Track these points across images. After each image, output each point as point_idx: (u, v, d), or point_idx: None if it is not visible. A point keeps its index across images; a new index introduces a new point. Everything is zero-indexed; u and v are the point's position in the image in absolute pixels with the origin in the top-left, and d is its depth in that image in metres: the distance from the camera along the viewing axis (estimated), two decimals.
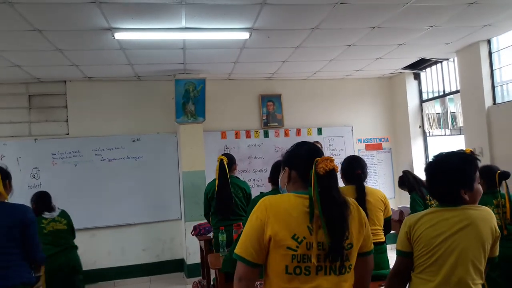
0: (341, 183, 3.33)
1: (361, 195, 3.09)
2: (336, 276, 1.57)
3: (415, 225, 1.95)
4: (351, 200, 1.70)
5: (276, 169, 3.26)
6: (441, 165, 2.01)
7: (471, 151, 4.82)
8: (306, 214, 1.57)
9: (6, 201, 2.86)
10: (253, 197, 3.90)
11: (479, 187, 1.97)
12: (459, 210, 1.91)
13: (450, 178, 1.93)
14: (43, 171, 5.93)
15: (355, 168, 3.19)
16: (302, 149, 1.76)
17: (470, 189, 1.92)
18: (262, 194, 3.51)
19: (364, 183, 3.20)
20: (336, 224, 1.55)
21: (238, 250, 1.61)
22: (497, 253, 1.98)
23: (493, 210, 3.37)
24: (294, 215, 1.57)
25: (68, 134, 6.15)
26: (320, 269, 1.55)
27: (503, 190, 3.46)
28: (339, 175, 3.35)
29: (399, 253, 2.02)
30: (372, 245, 1.75)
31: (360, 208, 1.71)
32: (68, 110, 6.18)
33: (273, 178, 3.32)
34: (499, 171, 3.46)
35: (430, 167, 2.05)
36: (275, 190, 3.19)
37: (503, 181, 3.44)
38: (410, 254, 1.97)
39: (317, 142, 6.47)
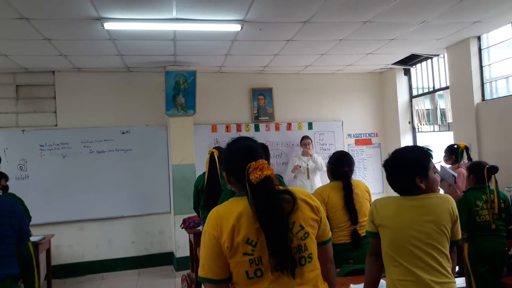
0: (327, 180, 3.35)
1: (348, 192, 3.11)
2: (298, 268, 1.55)
3: (379, 209, 2.09)
4: (299, 190, 1.67)
5: None
6: (397, 158, 2.13)
7: (465, 145, 4.86)
8: (254, 216, 1.54)
9: None
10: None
11: (435, 176, 2.09)
12: (419, 199, 2.03)
13: (406, 168, 2.06)
14: (31, 162, 5.85)
15: (342, 165, 3.19)
16: (235, 153, 1.67)
17: (425, 177, 2.04)
18: None
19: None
20: (276, 232, 1.50)
21: (201, 272, 1.56)
22: (460, 236, 2.08)
23: (482, 206, 3.44)
24: (242, 220, 1.54)
25: (56, 125, 6.07)
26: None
27: (492, 185, 3.49)
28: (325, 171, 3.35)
29: (368, 234, 2.16)
30: (330, 233, 1.75)
31: (312, 196, 1.70)
32: (57, 101, 6.09)
33: None
34: (487, 166, 3.49)
35: (388, 161, 2.16)
36: None
37: (492, 176, 3.48)
38: (377, 235, 2.10)
39: (307, 137, 6.47)
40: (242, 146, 1.68)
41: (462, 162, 4.73)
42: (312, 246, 1.61)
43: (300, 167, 6.28)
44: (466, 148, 4.79)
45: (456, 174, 4.65)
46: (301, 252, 1.57)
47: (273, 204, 1.52)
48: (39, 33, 4.32)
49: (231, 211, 1.57)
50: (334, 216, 3.12)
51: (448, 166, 4.93)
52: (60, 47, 4.88)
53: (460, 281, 4.63)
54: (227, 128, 6.67)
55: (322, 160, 6.22)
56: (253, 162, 1.54)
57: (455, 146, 4.86)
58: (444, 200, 2.04)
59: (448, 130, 6.32)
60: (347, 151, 5.25)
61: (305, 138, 6.45)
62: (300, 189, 1.71)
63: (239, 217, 1.54)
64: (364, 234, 3.08)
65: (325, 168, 6.09)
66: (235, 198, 1.64)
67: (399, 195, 2.10)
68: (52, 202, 5.81)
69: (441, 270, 1.95)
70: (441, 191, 4.33)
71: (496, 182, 3.47)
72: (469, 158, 4.77)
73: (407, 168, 2.05)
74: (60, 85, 6.10)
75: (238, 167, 1.58)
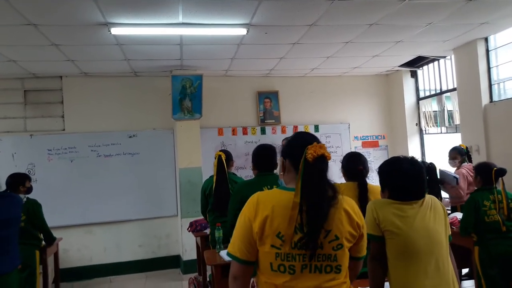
0: (342, 180, 3.32)
1: (363, 192, 3.06)
2: (321, 275, 1.54)
3: (384, 212, 2.08)
4: (347, 201, 1.65)
5: (256, 155, 3.31)
6: (413, 168, 2.15)
7: (466, 147, 4.88)
8: (295, 202, 1.54)
9: None
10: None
11: None
12: (420, 201, 2.09)
13: (423, 178, 2.14)
14: (39, 167, 5.89)
15: (356, 164, 3.17)
16: (297, 137, 1.74)
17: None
18: (244, 181, 3.51)
19: (367, 179, 3.19)
20: (314, 211, 1.51)
21: (230, 249, 1.60)
22: (450, 231, 2.15)
23: (489, 206, 3.42)
24: (280, 212, 1.54)
25: (64, 129, 6.12)
26: (305, 267, 1.53)
27: (499, 186, 3.47)
28: (340, 173, 3.35)
29: (372, 237, 2.10)
30: (365, 251, 1.73)
31: (358, 212, 1.66)
32: (64, 105, 6.14)
33: (256, 164, 3.33)
34: (495, 168, 3.47)
35: (403, 168, 2.16)
36: (259, 176, 3.23)
37: (499, 178, 3.46)
38: (382, 238, 2.08)
39: (286, 138, 6.31)
40: (306, 134, 1.77)
41: (465, 164, 4.79)
42: (343, 259, 1.58)
43: None
44: (467, 149, 4.84)
45: (457, 176, 4.65)
46: (329, 261, 1.55)
47: (322, 184, 1.54)
48: (46, 38, 4.37)
49: (271, 200, 1.59)
50: None
51: (454, 168, 4.93)
52: (67, 52, 4.92)
53: (470, 284, 4.61)
54: (234, 131, 6.68)
55: None
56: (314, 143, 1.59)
57: (461, 148, 4.90)
58: (434, 198, 2.15)
59: (456, 132, 6.28)
60: None
61: (285, 140, 6.27)
62: (349, 200, 1.68)
63: (278, 209, 1.55)
64: None
65: None
66: (279, 189, 1.66)
67: (392, 201, 2.11)
68: (60, 206, 5.84)
69: (450, 270, 2.02)
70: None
71: (503, 183, 3.45)
72: (469, 159, 4.82)
73: (423, 178, 2.15)
74: (68, 90, 6.15)
75: (297, 149, 1.61)
